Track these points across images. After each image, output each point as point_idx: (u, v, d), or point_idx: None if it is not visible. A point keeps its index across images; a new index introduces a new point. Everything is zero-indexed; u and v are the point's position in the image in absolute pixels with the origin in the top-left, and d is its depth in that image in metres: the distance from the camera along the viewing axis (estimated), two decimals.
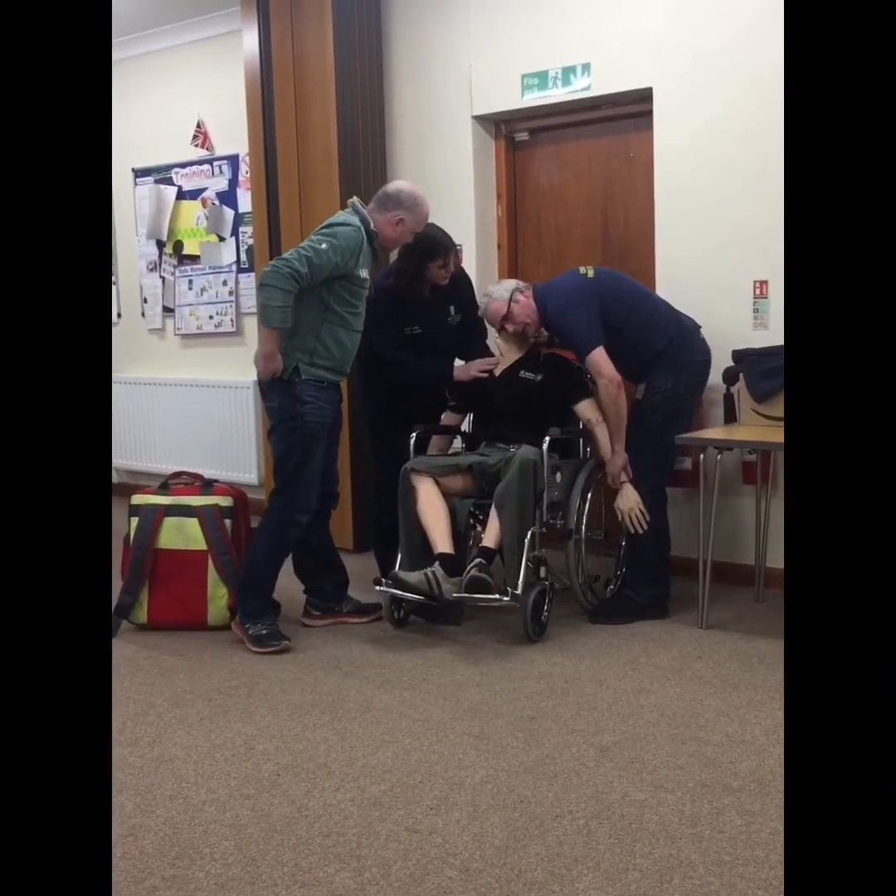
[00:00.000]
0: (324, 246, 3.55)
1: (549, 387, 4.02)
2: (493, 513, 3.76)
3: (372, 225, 3.72)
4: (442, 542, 3.77)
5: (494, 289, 4.10)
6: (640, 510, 3.88)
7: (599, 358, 3.85)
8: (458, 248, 4.68)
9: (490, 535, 3.76)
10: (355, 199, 3.79)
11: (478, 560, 3.67)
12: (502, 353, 4.19)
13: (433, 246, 4.04)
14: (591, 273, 3.98)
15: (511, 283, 4.10)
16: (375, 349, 4.13)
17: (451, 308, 4.24)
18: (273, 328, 3.60)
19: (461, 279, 4.34)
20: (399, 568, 3.80)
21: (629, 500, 3.89)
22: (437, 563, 3.67)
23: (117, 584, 4.01)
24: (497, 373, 4.14)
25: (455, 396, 4.30)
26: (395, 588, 3.71)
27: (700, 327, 4.04)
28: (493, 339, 4.30)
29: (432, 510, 3.84)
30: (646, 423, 3.92)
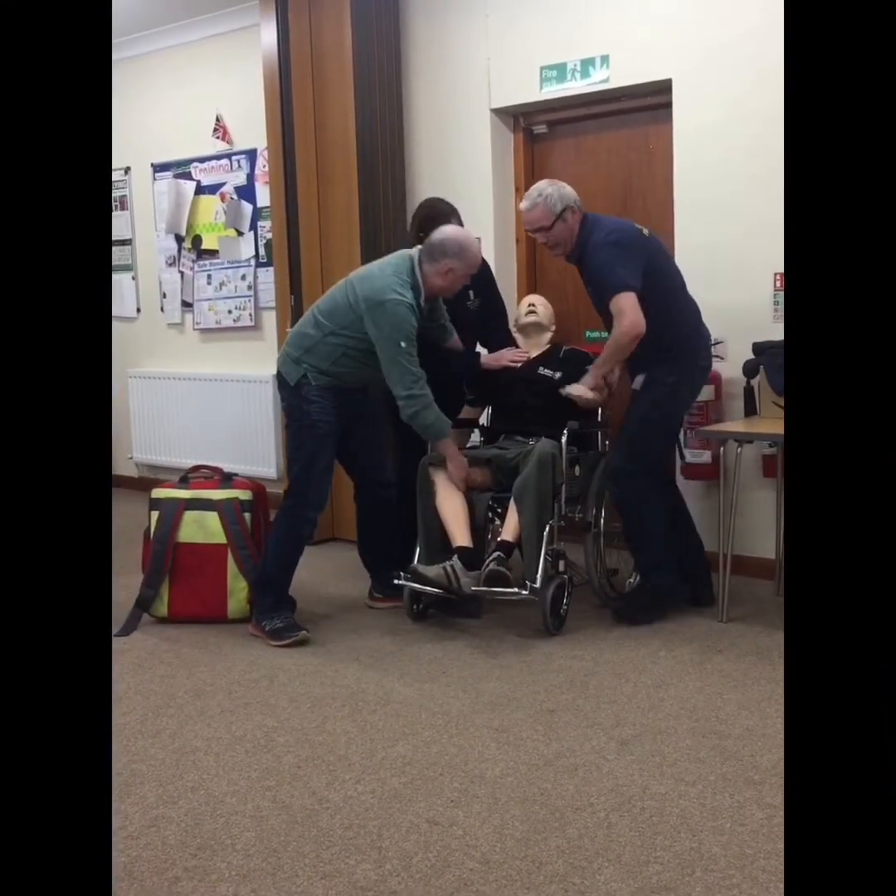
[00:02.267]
0: (403, 344, 3.62)
1: (568, 383, 3.95)
2: (511, 506, 3.74)
3: (421, 280, 3.71)
4: (460, 535, 3.75)
5: (549, 192, 3.75)
6: (588, 399, 3.84)
7: (629, 301, 3.60)
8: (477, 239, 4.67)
9: (508, 529, 3.74)
10: (415, 253, 3.74)
11: (497, 554, 3.65)
12: (524, 347, 4.17)
13: (434, 215, 4.00)
14: (646, 232, 3.79)
15: (567, 195, 3.75)
16: None
17: (471, 292, 4.15)
18: (445, 437, 3.79)
19: (482, 267, 4.18)
20: (417, 561, 3.80)
21: (578, 389, 3.84)
22: (455, 557, 3.65)
23: (138, 578, 4.04)
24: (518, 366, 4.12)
25: (474, 390, 4.27)
26: (414, 582, 3.72)
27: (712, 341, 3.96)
28: (513, 331, 4.28)
29: (451, 503, 3.82)
30: (645, 414, 3.80)
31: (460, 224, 4.09)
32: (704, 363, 3.87)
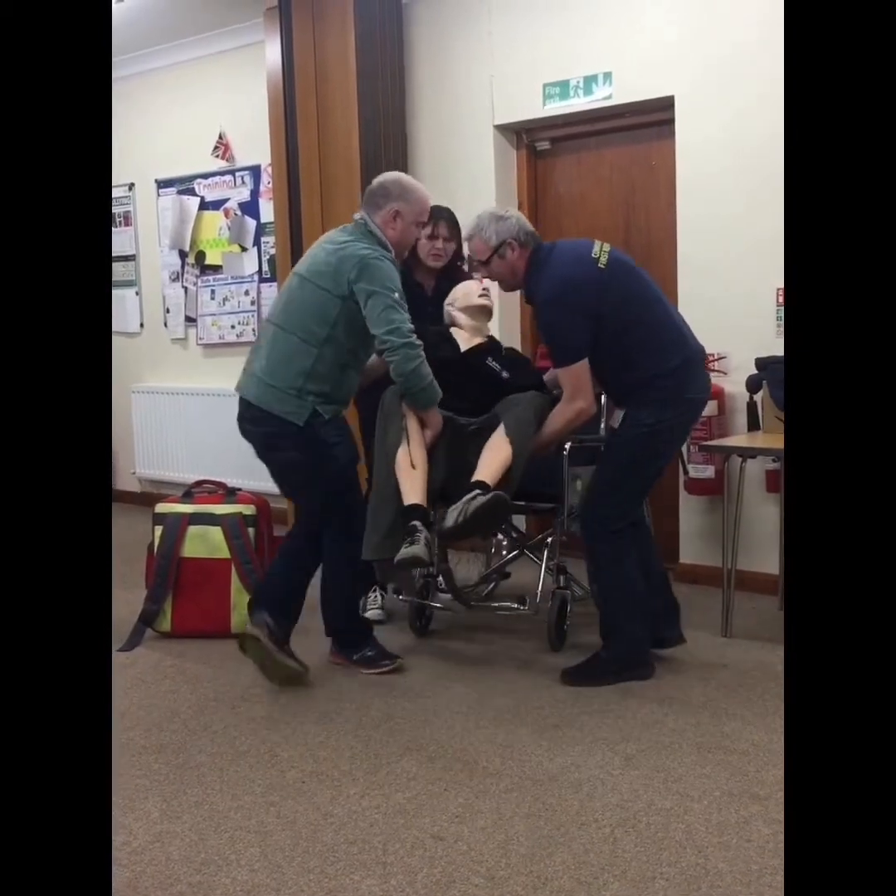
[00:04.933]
0: (397, 296, 3.25)
1: (512, 387, 3.63)
2: (494, 441, 3.38)
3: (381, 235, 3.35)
4: (419, 492, 3.35)
5: (485, 225, 3.37)
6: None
7: (579, 377, 3.28)
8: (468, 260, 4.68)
9: (487, 466, 3.33)
10: (361, 215, 3.36)
11: (476, 492, 3.23)
12: (464, 329, 3.81)
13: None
14: (603, 260, 3.30)
15: (506, 229, 3.34)
16: None
17: None
18: (435, 404, 3.42)
19: (467, 278, 4.00)
20: (371, 546, 3.38)
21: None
22: (417, 522, 3.26)
23: (142, 593, 4.03)
24: (463, 349, 3.77)
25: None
26: (394, 573, 3.51)
27: (707, 357, 3.57)
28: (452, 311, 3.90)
29: (420, 453, 3.41)
30: (616, 457, 3.39)
31: (460, 253, 3.94)
32: (695, 395, 3.37)
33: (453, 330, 3.83)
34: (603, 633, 3.47)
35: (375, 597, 4.22)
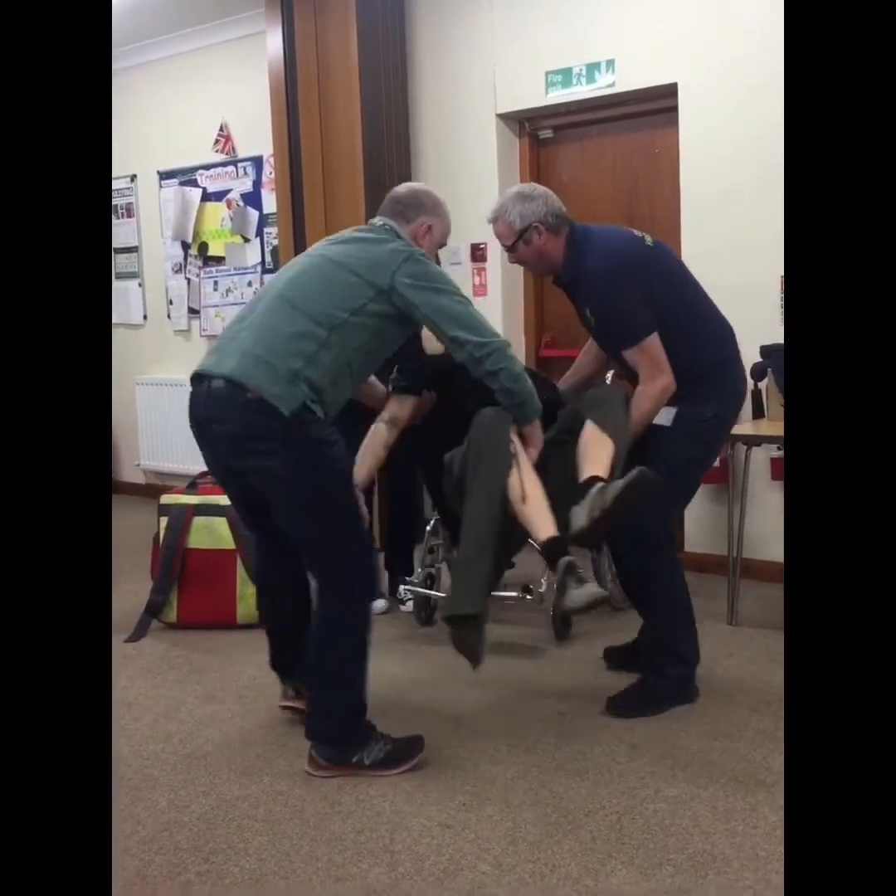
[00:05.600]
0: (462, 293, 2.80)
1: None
2: (590, 437, 2.88)
3: None
4: (550, 522, 2.77)
5: (510, 206, 3.06)
6: None
7: (655, 352, 2.93)
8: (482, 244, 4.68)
9: (595, 460, 2.83)
10: (384, 222, 2.88)
11: (600, 485, 2.73)
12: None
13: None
14: (648, 240, 3.10)
15: (532, 211, 3.02)
16: None
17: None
18: (539, 414, 2.87)
19: None
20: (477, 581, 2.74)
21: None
22: (568, 557, 2.69)
23: (148, 584, 4.04)
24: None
25: (414, 376, 3.45)
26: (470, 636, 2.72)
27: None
28: None
29: (536, 483, 2.82)
30: (672, 458, 2.96)
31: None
32: (740, 388, 3.19)
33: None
34: (653, 656, 3.14)
35: None
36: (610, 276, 2.97)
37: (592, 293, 3.03)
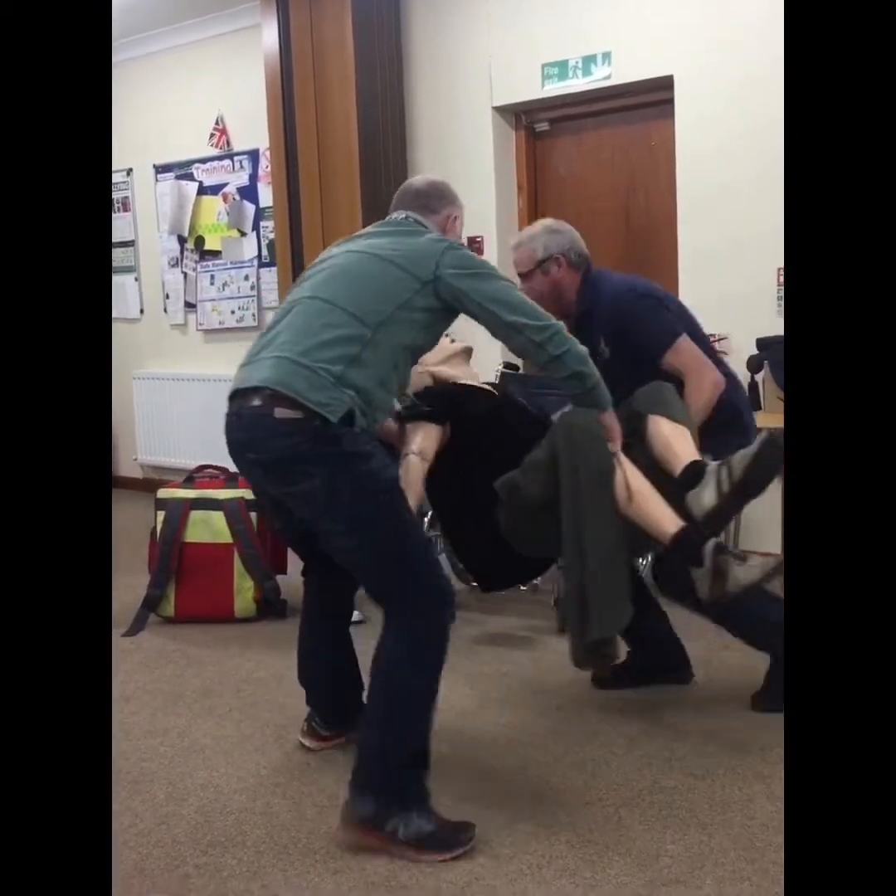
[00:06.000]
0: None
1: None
2: (663, 430, 2.74)
3: None
4: (673, 516, 2.59)
5: (537, 234, 3.08)
6: None
7: (692, 350, 2.91)
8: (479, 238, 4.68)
9: (683, 449, 2.71)
10: (406, 215, 2.69)
11: (717, 464, 2.59)
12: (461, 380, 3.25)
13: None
14: (660, 286, 3.16)
15: (557, 243, 3.01)
16: None
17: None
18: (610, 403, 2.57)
19: None
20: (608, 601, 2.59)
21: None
22: (711, 546, 2.51)
23: (145, 579, 4.04)
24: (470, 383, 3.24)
25: (431, 400, 3.12)
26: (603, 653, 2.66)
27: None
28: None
29: (645, 483, 2.65)
30: None
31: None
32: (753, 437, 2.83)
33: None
34: (773, 642, 2.88)
35: None
36: (634, 299, 2.95)
37: (613, 314, 2.95)
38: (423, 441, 3.00)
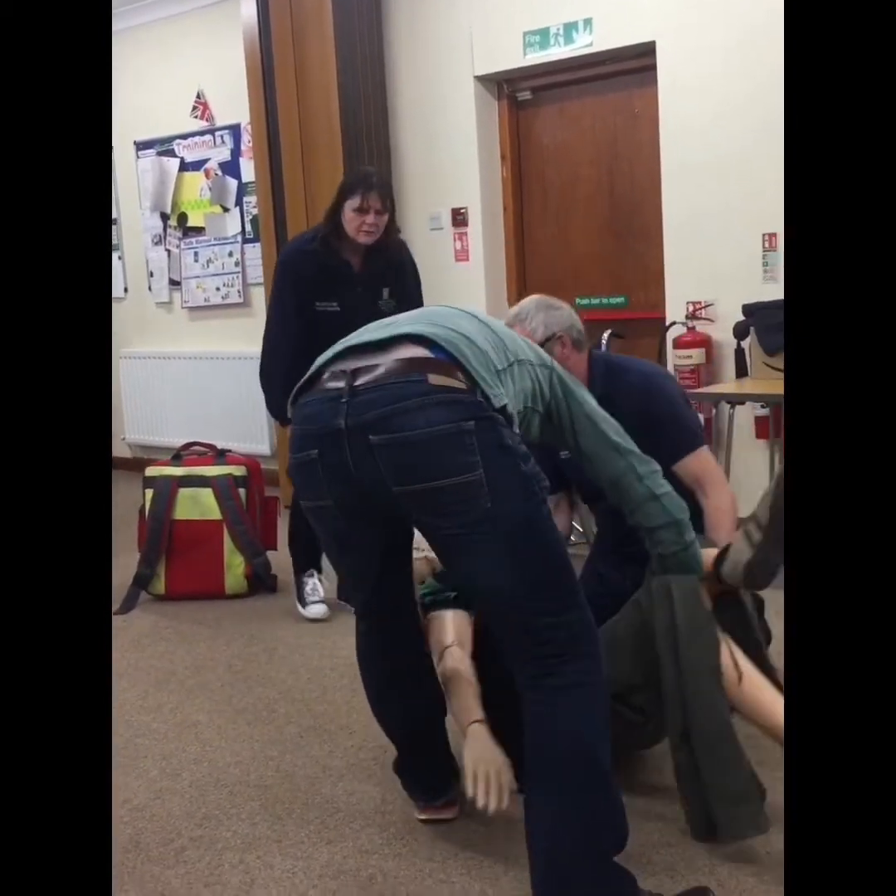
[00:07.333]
0: None
1: None
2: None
3: None
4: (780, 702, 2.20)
5: (533, 313, 2.65)
6: None
7: (711, 463, 2.67)
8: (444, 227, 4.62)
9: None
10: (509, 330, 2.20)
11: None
12: None
13: (346, 181, 3.48)
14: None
15: (556, 321, 2.64)
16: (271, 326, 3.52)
17: (385, 291, 3.50)
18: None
19: (404, 260, 3.60)
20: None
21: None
22: None
23: (135, 557, 4.04)
24: None
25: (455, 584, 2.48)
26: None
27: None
28: None
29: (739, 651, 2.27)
30: None
31: (396, 230, 3.56)
32: None
33: None
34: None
35: (314, 584, 3.74)
36: (661, 386, 2.70)
37: (640, 402, 2.61)
38: (459, 628, 2.50)
